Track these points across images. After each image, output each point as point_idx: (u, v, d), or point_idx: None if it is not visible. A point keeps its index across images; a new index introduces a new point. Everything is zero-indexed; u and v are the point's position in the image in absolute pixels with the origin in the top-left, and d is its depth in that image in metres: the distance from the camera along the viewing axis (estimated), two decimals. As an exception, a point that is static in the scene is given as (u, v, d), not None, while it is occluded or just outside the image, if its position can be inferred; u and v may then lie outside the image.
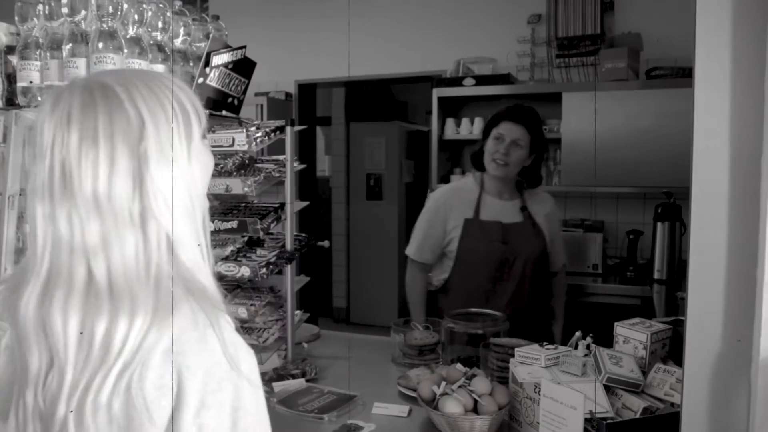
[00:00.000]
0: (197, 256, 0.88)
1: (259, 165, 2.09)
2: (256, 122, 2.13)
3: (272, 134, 2.01)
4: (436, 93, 3.95)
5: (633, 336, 1.60)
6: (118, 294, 0.79)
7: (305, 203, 2.18)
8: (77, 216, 0.80)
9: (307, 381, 1.89)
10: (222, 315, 0.84)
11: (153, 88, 0.87)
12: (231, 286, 2.10)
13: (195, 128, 0.90)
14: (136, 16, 1.69)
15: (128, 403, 0.77)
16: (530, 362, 1.58)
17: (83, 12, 1.64)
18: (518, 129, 2.29)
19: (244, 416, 0.82)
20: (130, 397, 0.77)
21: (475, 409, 1.50)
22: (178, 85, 0.90)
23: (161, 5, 1.78)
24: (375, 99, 6.14)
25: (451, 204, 2.40)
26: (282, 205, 2.05)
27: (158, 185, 0.83)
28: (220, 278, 2.12)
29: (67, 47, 1.63)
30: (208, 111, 1.96)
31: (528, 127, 2.30)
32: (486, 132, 2.37)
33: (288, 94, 4.72)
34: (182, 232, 0.86)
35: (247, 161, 2.10)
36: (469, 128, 3.94)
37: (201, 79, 1.89)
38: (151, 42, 1.75)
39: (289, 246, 2.04)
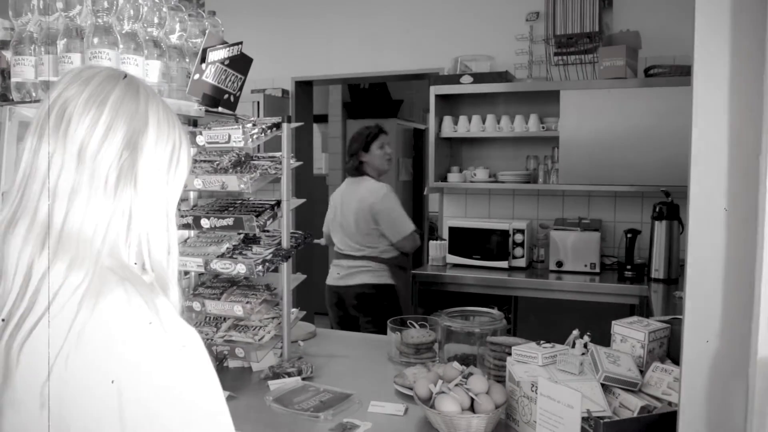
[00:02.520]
0: (162, 261, 0.91)
1: (255, 162, 2.08)
2: (252, 119, 2.12)
3: (268, 131, 2.00)
4: (434, 90, 3.93)
5: (631, 335, 1.60)
6: (65, 245, 0.82)
7: (301, 200, 2.17)
8: (59, 157, 0.84)
9: (303, 379, 1.88)
10: (158, 296, 0.85)
11: (168, 112, 0.93)
12: (227, 284, 2.09)
13: (183, 163, 0.95)
14: (131, 12, 1.67)
15: (61, 383, 0.77)
16: (527, 361, 1.58)
17: (78, 7, 1.63)
18: None
19: (188, 393, 0.82)
20: (63, 379, 0.77)
21: (472, 408, 1.49)
22: (185, 132, 0.97)
23: (157, 0, 1.77)
24: (372, 97, 6.12)
25: None
26: (278, 203, 2.05)
27: (141, 177, 0.88)
28: (216, 275, 2.11)
29: (61, 42, 1.62)
30: (203, 108, 1.96)
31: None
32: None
33: (285, 91, 4.71)
34: (153, 232, 0.89)
35: (243, 158, 2.09)
36: (467, 126, 3.93)
37: (197, 75, 1.88)
38: (147, 38, 1.74)
39: (285, 243, 2.03)
